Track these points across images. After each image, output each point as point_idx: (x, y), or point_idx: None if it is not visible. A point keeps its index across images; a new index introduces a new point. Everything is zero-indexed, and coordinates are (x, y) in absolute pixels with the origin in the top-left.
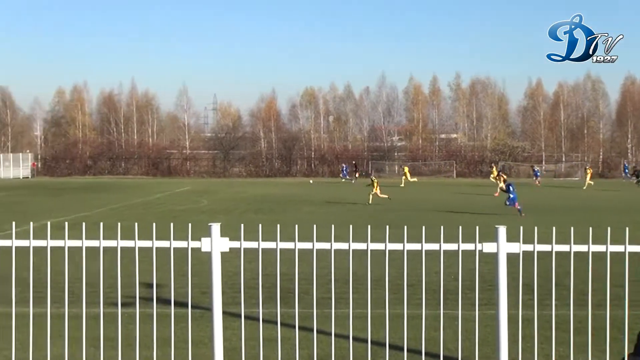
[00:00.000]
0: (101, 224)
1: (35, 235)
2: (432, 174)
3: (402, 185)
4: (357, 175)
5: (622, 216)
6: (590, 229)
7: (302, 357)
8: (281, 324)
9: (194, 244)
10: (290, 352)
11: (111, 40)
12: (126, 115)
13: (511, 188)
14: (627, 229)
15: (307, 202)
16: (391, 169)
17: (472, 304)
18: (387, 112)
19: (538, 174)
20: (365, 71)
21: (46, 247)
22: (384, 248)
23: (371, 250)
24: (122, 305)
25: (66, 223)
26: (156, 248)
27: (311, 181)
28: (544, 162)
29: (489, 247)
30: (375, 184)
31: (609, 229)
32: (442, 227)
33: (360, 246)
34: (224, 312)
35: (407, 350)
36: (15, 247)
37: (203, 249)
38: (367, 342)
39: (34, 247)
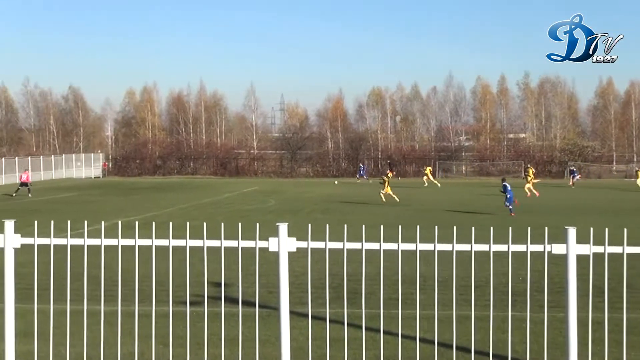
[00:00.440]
0: (170, 223)
1: (107, 234)
2: (500, 174)
3: (425, 185)
4: (392, 174)
5: None
6: None
7: (368, 357)
8: (348, 324)
9: (262, 244)
10: (357, 352)
11: (180, 41)
12: (195, 115)
13: (508, 187)
14: None
15: (374, 202)
16: (458, 169)
17: (540, 306)
18: (455, 112)
19: (575, 174)
20: (432, 71)
21: (117, 246)
22: (451, 249)
23: (438, 251)
24: (190, 304)
25: (136, 222)
26: (224, 248)
27: (336, 182)
28: (614, 162)
29: (558, 249)
30: (386, 183)
31: None
32: (510, 228)
33: (427, 247)
34: (291, 312)
35: (475, 352)
36: (87, 245)
37: (270, 249)
38: (434, 343)
39: (105, 246)
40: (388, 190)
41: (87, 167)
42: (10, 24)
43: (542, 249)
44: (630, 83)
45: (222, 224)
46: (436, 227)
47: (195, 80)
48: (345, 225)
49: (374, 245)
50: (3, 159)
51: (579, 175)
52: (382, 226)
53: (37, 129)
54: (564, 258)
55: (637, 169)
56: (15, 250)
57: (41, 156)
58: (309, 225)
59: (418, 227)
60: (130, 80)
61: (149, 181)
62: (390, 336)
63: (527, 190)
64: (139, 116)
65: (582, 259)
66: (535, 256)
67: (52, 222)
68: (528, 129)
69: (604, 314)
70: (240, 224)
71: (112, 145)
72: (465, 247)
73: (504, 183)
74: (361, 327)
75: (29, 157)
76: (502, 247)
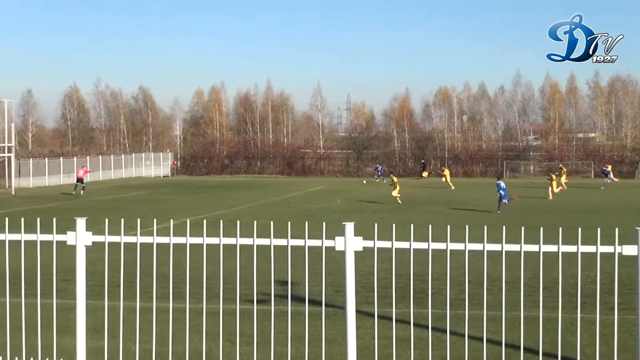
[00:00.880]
0: (238, 222)
1: (175, 233)
2: (569, 174)
3: (447, 185)
4: (425, 174)
5: None
6: None
7: (434, 357)
8: (414, 324)
9: (328, 243)
10: (423, 352)
11: (248, 41)
12: (262, 115)
13: (502, 185)
14: None
15: (440, 202)
16: (526, 169)
17: (610, 308)
18: (523, 111)
19: (609, 174)
20: (499, 70)
21: (185, 244)
22: (519, 249)
23: (505, 251)
24: (257, 302)
25: (204, 221)
26: (291, 246)
27: (364, 181)
28: None
29: (629, 250)
30: (395, 184)
31: None
32: (579, 229)
33: (495, 247)
34: (357, 311)
35: (543, 354)
36: (157, 243)
37: (337, 248)
38: (501, 344)
39: (173, 244)
40: (397, 192)
41: (156, 166)
42: (81, 26)
43: (612, 250)
44: None
45: (289, 223)
46: (503, 227)
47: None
48: (412, 225)
49: (440, 245)
50: (75, 158)
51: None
52: (448, 226)
53: (107, 129)
54: (634, 259)
55: None
56: (87, 247)
57: (112, 155)
58: (375, 224)
59: (485, 227)
60: (199, 81)
61: (216, 180)
62: (457, 337)
63: (553, 192)
64: (207, 116)
65: None
66: (603, 257)
67: (122, 220)
68: (598, 128)
69: None
70: (306, 223)
71: (180, 145)
72: (533, 247)
73: (498, 182)
74: (427, 327)
75: (100, 157)
76: (571, 248)
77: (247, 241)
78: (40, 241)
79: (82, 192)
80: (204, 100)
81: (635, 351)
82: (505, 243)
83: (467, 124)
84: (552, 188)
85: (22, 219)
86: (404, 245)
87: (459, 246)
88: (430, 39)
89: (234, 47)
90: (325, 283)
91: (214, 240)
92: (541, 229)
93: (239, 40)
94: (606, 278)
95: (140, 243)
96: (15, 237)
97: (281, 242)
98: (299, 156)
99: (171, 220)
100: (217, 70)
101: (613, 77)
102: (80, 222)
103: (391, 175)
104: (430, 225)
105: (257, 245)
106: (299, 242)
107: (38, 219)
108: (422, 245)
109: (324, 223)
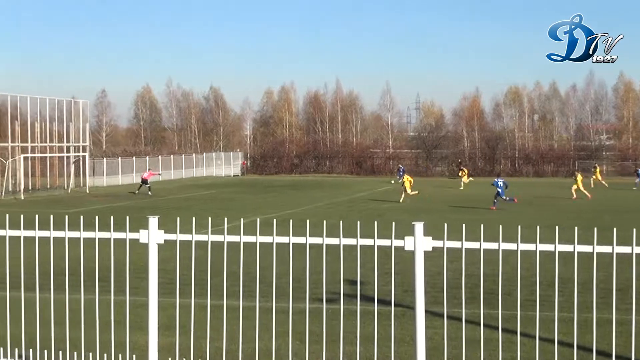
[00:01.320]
0: (307, 221)
1: (245, 231)
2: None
3: (467, 182)
4: (460, 174)
5: None
6: None
7: (504, 359)
8: (484, 324)
9: (398, 243)
10: (493, 353)
11: (317, 42)
12: (331, 114)
13: (500, 183)
14: None
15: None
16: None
17: None
18: (595, 110)
19: None
20: (571, 68)
21: (255, 243)
22: (591, 250)
23: (578, 252)
24: (327, 301)
25: (274, 220)
26: (360, 246)
27: (392, 181)
28: None
29: None
30: (408, 182)
31: None
32: None
33: (567, 248)
34: (426, 311)
35: (616, 357)
36: (227, 242)
37: (406, 248)
38: (572, 346)
39: (244, 243)
40: (408, 190)
41: (226, 166)
42: (154, 27)
43: None
44: None
45: (358, 222)
46: (576, 228)
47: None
48: (482, 225)
49: (511, 246)
50: (147, 157)
51: None
52: (519, 226)
53: (179, 128)
54: None
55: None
56: (159, 245)
57: (183, 154)
58: (445, 224)
59: (557, 227)
60: (269, 80)
61: (285, 179)
62: (527, 338)
63: (583, 192)
64: (276, 115)
65: None
66: None
67: (193, 218)
68: None
69: None
70: (375, 222)
71: (250, 144)
72: (606, 249)
73: (496, 180)
74: (497, 328)
75: (171, 156)
76: None
77: (316, 240)
78: (114, 239)
79: (149, 192)
80: (274, 100)
81: None
82: (578, 244)
83: (538, 123)
84: (577, 187)
85: (96, 217)
86: (473, 245)
87: (529, 247)
88: (500, 38)
89: (304, 47)
90: (395, 283)
91: (283, 239)
92: (614, 230)
93: (309, 41)
94: None
95: (211, 241)
96: (89, 234)
97: (350, 241)
98: (367, 156)
99: (242, 219)
100: (287, 70)
101: None
102: (153, 221)
103: (406, 175)
104: (500, 226)
105: (326, 245)
106: (368, 242)
107: (112, 217)
108: (492, 245)
109: (393, 223)
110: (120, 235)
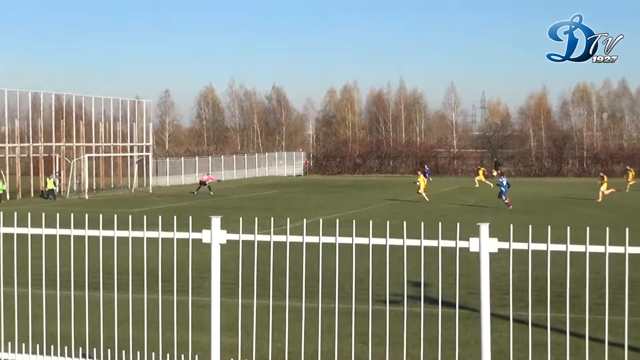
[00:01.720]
0: (370, 222)
1: (308, 232)
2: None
3: (479, 183)
4: (495, 173)
5: None
6: None
7: None
8: (551, 328)
9: (462, 244)
10: (560, 358)
11: (380, 40)
12: (394, 114)
13: (504, 182)
14: None
15: (578, 203)
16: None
17: None
18: None
19: None
20: None
21: (318, 243)
22: None
23: None
24: (390, 303)
25: (337, 220)
26: (424, 247)
27: (414, 182)
28: None
29: None
30: (422, 182)
31: None
32: None
33: (637, 250)
34: (491, 314)
35: None
36: (289, 242)
37: (471, 249)
38: None
39: (306, 243)
40: (422, 188)
41: (288, 165)
42: (216, 28)
43: None
44: None
45: (422, 223)
46: None
47: (395, 78)
48: (549, 227)
49: (579, 248)
50: (210, 157)
51: None
52: (587, 228)
53: (241, 128)
54: None
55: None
56: (221, 245)
57: (245, 154)
58: (511, 225)
59: (627, 229)
60: (331, 80)
61: (348, 179)
62: (596, 343)
63: (603, 193)
64: (339, 115)
65: None
66: None
67: (256, 219)
68: None
69: None
70: (439, 223)
71: (313, 144)
72: None
73: (501, 179)
74: (565, 332)
75: (234, 156)
76: None
77: (379, 241)
78: (177, 239)
79: (210, 192)
80: (337, 99)
81: None
82: None
83: (607, 122)
84: (603, 189)
85: (159, 217)
86: (540, 247)
87: (598, 249)
88: (628, 28)
89: (367, 46)
90: (459, 285)
91: (346, 240)
92: None
93: (372, 40)
94: None
95: (274, 242)
96: (152, 234)
97: (414, 242)
98: (431, 155)
99: (304, 219)
100: (349, 69)
101: None
102: (215, 221)
103: (418, 172)
104: (568, 227)
105: (389, 245)
106: (432, 243)
107: (175, 217)
108: (560, 247)
109: (458, 223)
110: (183, 235)
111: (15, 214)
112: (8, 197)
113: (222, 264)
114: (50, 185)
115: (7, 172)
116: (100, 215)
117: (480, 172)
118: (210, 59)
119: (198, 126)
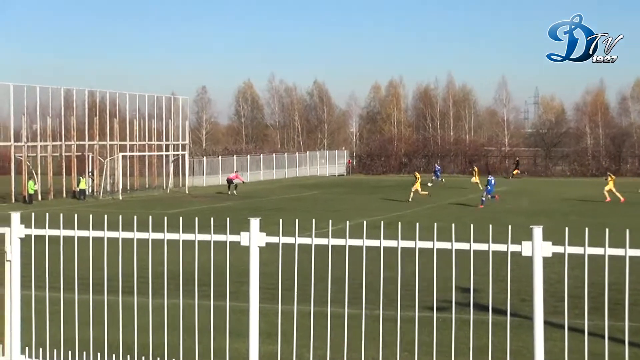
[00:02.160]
0: (417, 224)
1: (351, 234)
2: None
3: (476, 182)
4: (515, 172)
5: None
6: None
7: None
8: (608, 337)
9: (514, 248)
10: None
11: (427, 34)
12: (442, 110)
13: (492, 182)
14: None
15: (638, 205)
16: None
17: None
18: None
19: None
20: None
21: (362, 247)
22: None
23: None
24: (437, 309)
25: (381, 222)
26: (474, 251)
27: (429, 184)
28: None
29: None
30: (417, 181)
31: None
32: None
33: None
34: (545, 322)
35: None
36: (332, 245)
37: (523, 253)
38: None
39: (349, 247)
40: (418, 187)
41: (331, 165)
42: (254, 20)
43: None
44: None
45: (471, 225)
46: None
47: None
48: (607, 229)
49: (638, 252)
50: (248, 156)
51: None
52: None
53: (281, 126)
54: None
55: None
56: (260, 248)
57: (285, 153)
58: (566, 228)
59: None
60: (376, 75)
61: (394, 179)
62: None
63: (606, 194)
64: (384, 112)
65: None
66: None
67: (297, 220)
68: None
69: None
70: (490, 225)
71: (356, 142)
72: None
73: (489, 177)
74: (623, 342)
75: (274, 154)
76: None
77: (426, 244)
78: (214, 241)
79: (234, 191)
80: (381, 95)
81: None
82: None
83: None
84: (610, 189)
85: (196, 219)
86: (598, 251)
87: None
88: (628, 28)
89: (413, 39)
90: (511, 291)
91: (391, 243)
92: None
93: (418, 33)
94: None
95: (315, 245)
96: (188, 237)
97: (463, 245)
98: (482, 154)
99: (347, 222)
100: (395, 64)
101: None
102: (254, 223)
103: (415, 173)
104: (627, 230)
105: (437, 249)
106: (482, 247)
107: (212, 219)
108: (619, 252)
109: (509, 226)
110: (220, 237)
111: (47, 215)
112: (40, 197)
113: (260, 267)
114: (82, 185)
115: (39, 171)
116: (135, 217)
117: (476, 170)
118: (248, 54)
119: (236, 124)
